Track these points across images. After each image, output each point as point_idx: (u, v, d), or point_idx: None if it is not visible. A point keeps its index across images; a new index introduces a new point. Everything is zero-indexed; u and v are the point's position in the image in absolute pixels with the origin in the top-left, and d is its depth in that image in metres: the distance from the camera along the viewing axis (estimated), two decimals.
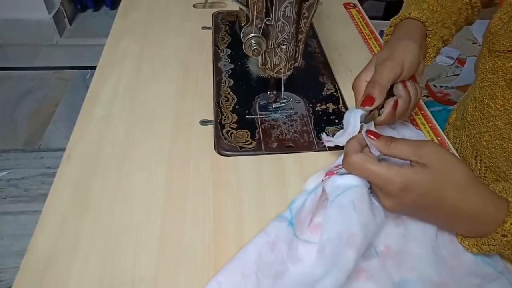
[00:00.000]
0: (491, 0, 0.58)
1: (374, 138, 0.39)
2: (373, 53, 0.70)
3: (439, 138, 0.54)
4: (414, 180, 0.35)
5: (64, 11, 2.00)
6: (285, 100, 0.59)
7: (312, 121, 0.56)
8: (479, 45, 1.85)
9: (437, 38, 0.52)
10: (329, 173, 0.43)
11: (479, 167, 0.55)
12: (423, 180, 0.35)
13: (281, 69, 0.53)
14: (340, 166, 0.42)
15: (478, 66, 0.55)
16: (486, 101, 0.51)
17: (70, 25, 2.08)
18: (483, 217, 0.36)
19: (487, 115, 0.51)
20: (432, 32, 0.51)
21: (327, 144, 0.46)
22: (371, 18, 0.80)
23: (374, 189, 0.39)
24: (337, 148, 0.52)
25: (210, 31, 0.74)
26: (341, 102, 0.60)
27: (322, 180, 0.42)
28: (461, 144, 0.60)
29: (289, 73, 0.55)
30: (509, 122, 0.48)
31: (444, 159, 0.36)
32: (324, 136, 0.47)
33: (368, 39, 0.73)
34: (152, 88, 0.61)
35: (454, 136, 0.63)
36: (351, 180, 0.40)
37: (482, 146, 0.53)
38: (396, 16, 0.54)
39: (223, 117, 0.56)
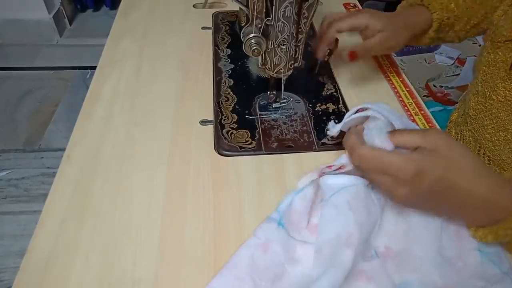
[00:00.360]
0: None
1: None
2: None
3: None
4: (426, 165, 0.35)
5: (64, 11, 1.99)
6: (285, 100, 0.59)
7: (312, 121, 0.56)
8: (479, 45, 1.84)
9: (436, 35, 0.54)
10: (322, 172, 0.42)
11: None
12: (435, 164, 0.35)
13: (281, 69, 0.53)
14: (334, 167, 0.42)
15: (480, 60, 0.56)
16: (488, 94, 0.51)
17: (70, 25, 2.08)
18: (496, 201, 0.36)
19: (489, 108, 0.51)
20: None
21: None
22: None
23: (385, 180, 0.37)
24: (338, 148, 0.52)
25: (210, 31, 0.74)
26: (341, 102, 0.60)
27: (312, 181, 0.42)
28: (463, 139, 0.60)
29: (289, 73, 0.55)
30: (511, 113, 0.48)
31: (451, 143, 0.36)
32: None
33: None
34: (152, 88, 0.61)
35: (456, 132, 0.63)
36: (343, 179, 0.40)
37: (485, 139, 0.53)
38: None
39: (223, 117, 0.56)
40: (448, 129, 0.67)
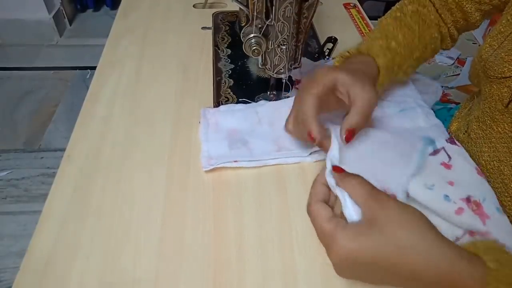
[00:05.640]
0: (470, 25, 0.57)
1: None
2: None
3: None
4: (356, 249, 0.30)
5: (64, 11, 2.00)
6: None
7: None
8: (479, 45, 1.84)
9: (387, 79, 0.52)
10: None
11: None
12: (371, 245, 0.30)
13: (281, 69, 0.53)
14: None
15: (475, 74, 0.55)
16: (488, 122, 0.50)
17: (70, 25, 2.08)
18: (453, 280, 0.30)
19: (489, 136, 0.50)
20: (384, 75, 0.50)
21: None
22: (371, 18, 0.80)
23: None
24: None
25: (210, 31, 0.74)
26: None
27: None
28: None
29: (289, 73, 0.55)
30: (507, 146, 0.47)
31: (401, 212, 0.31)
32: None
33: None
34: (152, 88, 0.61)
35: None
36: None
37: (481, 165, 0.52)
38: (354, 47, 0.53)
39: None
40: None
